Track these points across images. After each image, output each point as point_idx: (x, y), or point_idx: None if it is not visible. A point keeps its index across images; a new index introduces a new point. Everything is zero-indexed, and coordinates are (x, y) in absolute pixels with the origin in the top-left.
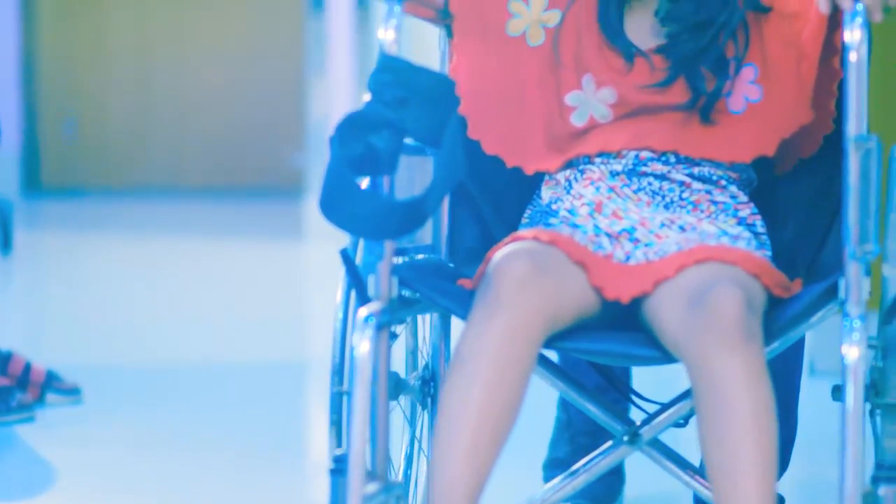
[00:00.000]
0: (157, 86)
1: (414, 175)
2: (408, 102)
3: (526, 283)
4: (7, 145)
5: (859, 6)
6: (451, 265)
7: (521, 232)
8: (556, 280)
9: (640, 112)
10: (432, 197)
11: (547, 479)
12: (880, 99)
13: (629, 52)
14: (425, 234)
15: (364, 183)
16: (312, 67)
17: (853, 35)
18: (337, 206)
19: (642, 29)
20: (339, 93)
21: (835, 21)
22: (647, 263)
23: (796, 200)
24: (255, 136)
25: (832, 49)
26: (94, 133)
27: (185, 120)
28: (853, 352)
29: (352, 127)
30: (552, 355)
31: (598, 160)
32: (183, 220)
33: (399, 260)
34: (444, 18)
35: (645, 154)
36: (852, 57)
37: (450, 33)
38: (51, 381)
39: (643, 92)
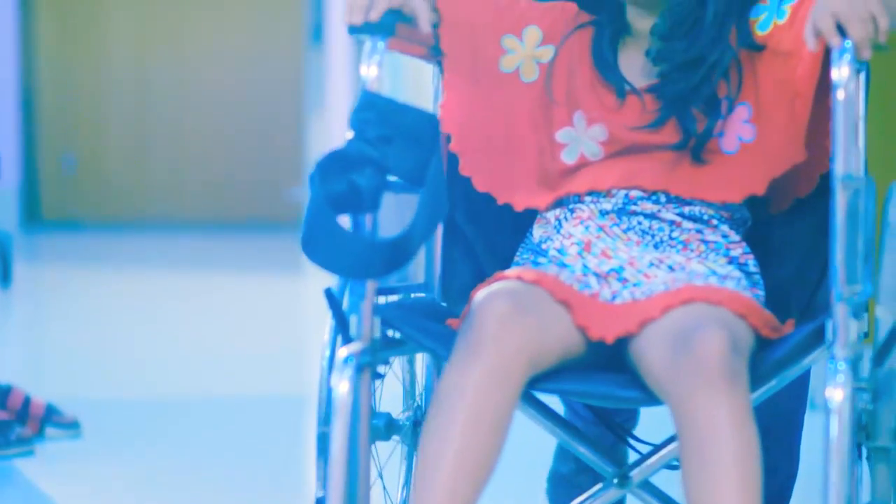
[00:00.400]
0: (156, 120)
1: (404, 213)
2: (391, 140)
3: (507, 323)
4: (7, 179)
5: (847, 43)
6: (445, 304)
7: (506, 271)
8: (538, 320)
9: (630, 150)
10: (415, 236)
11: (549, 492)
12: (880, 136)
13: (621, 89)
14: (418, 273)
15: (346, 221)
16: (312, 102)
17: (840, 72)
18: (318, 245)
19: (635, 66)
20: (338, 127)
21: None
22: (633, 303)
23: (793, 240)
24: (255, 170)
25: (829, 86)
26: (94, 167)
27: (184, 154)
28: (837, 394)
29: (333, 165)
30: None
31: (587, 199)
32: (182, 254)
33: (387, 299)
34: (434, 56)
35: (635, 193)
36: (839, 95)
37: (442, 70)
38: (50, 415)
39: (634, 131)
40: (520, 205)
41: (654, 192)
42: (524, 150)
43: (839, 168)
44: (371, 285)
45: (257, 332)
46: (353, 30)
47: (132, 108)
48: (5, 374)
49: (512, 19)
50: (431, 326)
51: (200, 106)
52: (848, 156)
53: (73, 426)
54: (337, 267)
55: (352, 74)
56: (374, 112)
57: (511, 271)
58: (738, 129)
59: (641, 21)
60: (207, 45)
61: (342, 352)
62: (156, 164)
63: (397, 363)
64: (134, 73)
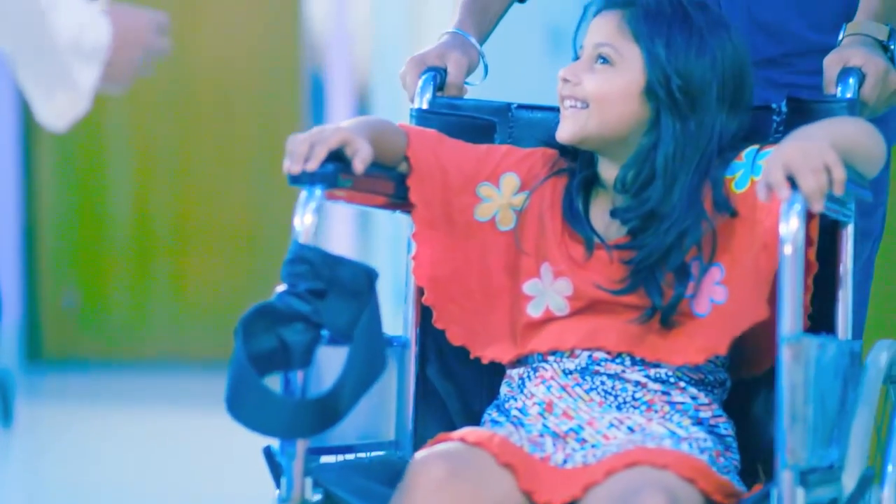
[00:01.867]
0: (157, 258)
1: None
2: (325, 294)
3: (440, 489)
4: (7, 316)
5: (799, 195)
6: None
7: (452, 432)
8: (475, 485)
9: (596, 307)
10: (345, 393)
11: None
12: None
13: (590, 242)
14: (388, 430)
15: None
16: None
17: (789, 226)
18: (243, 405)
19: (606, 219)
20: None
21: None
22: (583, 467)
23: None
24: None
25: (807, 240)
26: (95, 304)
27: (186, 292)
28: None
29: (259, 320)
30: None
31: (551, 358)
32: (184, 392)
33: (341, 458)
34: (396, 204)
35: (598, 354)
36: (786, 250)
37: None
38: None
39: (601, 289)
40: (486, 358)
41: (619, 354)
42: (499, 301)
43: (785, 327)
44: (302, 444)
45: (260, 474)
46: (293, 180)
47: (133, 246)
48: None
49: (490, 167)
50: (373, 488)
51: (201, 244)
52: (795, 314)
53: None
54: (263, 428)
55: (351, 220)
56: (307, 265)
57: (456, 432)
58: (710, 291)
59: (610, 172)
60: (208, 183)
61: None
62: (158, 301)
63: None
64: (134, 209)
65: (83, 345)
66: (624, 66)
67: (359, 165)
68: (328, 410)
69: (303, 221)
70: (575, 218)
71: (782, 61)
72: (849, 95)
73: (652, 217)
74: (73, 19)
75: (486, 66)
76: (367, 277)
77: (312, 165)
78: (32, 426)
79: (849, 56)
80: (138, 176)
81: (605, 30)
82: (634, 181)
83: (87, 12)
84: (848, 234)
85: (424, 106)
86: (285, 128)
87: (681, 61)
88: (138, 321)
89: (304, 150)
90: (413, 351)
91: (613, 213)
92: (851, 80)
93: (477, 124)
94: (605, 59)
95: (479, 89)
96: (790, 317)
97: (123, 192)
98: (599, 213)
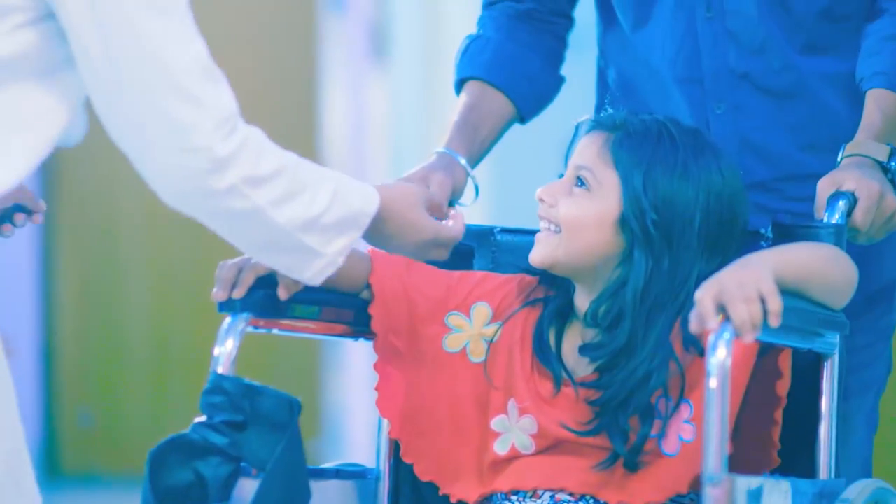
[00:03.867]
0: (174, 377)
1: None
2: (244, 426)
3: None
4: (27, 434)
5: (729, 325)
6: None
7: None
8: None
9: (561, 446)
10: None
11: None
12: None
13: (558, 378)
14: None
15: None
16: (327, 356)
17: (716, 357)
18: None
19: (577, 353)
20: (355, 376)
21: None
22: None
23: None
24: None
25: (776, 373)
26: (112, 423)
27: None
28: None
29: (173, 452)
30: None
31: (514, 498)
32: None
33: None
34: (359, 331)
35: (561, 496)
36: (711, 383)
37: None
38: None
39: (565, 429)
40: (453, 496)
41: (582, 496)
42: (468, 436)
43: (708, 466)
44: None
45: None
46: (220, 307)
47: (150, 364)
48: None
49: (461, 295)
50: None
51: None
52: (720, 452)
53: None
54: None
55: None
56: (223, 395)
57: None
58: (678, 429)
59: (583, 303)
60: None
61: None
62: (174, 419)
63: None
64: (151, 329)
65: (101, 462)
66: (600, 192)
67: (281, 292)
68: None
69: (224, 348)
70: (544, 352)
71: (773, 186)
72: (835, 220)
73: (619, 355)
74: (321, 196)
75: (476, 187)
76: (290, 408)
77: (238, 293)
78: None
79: (842, 179)
80: (155, 295)
81: (588, 152)
82: (605, 316)
83: (348, 186)
84: (831, 366)
85: None
86: None
87: (659, 194)
88: (155, 439)
89: (230, 276)
90: (385, 485)
91: (582, 350)
92: (841, 204)
93: (455, 249)
94: (583, 183)
95: (491, 209)
96: (714, 455)
97: (141, 311)
98: (571, 347)
